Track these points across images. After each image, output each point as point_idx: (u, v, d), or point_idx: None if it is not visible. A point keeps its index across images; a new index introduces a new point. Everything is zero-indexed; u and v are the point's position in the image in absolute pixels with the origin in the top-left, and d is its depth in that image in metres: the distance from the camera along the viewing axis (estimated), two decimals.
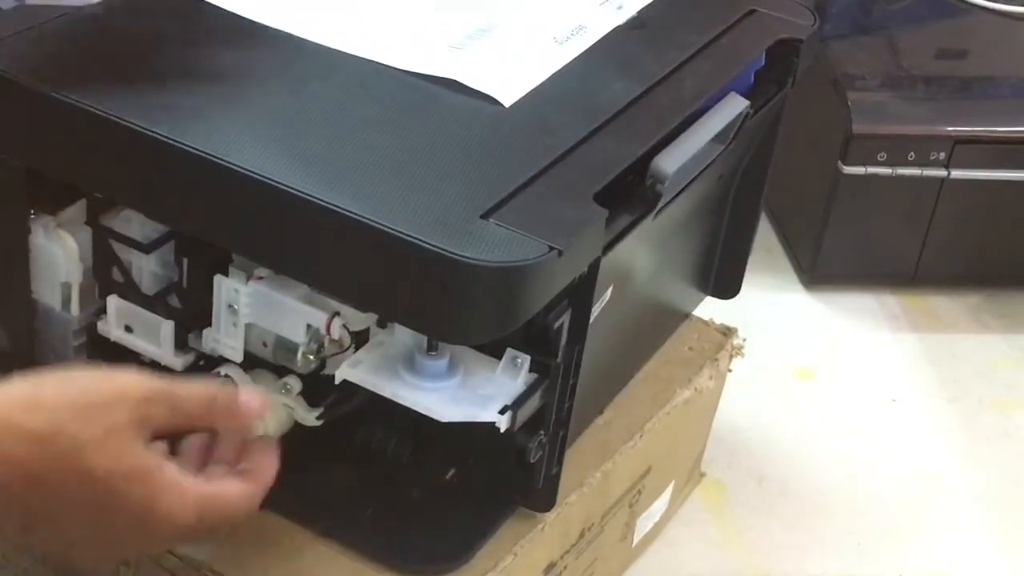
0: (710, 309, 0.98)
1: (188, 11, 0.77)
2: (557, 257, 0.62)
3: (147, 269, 0.73)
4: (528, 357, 0.70)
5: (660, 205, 0.71)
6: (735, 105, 0.77)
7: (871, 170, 1.20)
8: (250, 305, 0.71)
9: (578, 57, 0.78)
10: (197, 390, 0.63)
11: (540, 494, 0.76)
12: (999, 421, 1.16)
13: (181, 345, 0.74)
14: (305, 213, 0.63)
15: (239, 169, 0.64)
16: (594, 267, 0.68)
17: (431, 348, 0.70)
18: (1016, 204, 1.24)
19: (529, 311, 0.64)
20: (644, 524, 0.94)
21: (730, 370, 0.97)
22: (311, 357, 0.71)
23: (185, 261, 0.72)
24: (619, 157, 0.70)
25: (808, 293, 1.29)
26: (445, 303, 0.63)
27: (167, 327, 0.73)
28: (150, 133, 0.66)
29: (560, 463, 0.76)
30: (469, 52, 0.76)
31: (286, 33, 0.76)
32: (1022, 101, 1.28)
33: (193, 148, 0.65)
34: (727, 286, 0.98)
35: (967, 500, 1.08)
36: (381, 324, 0.72)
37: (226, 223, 0.67)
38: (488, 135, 0.70)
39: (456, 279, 0.61)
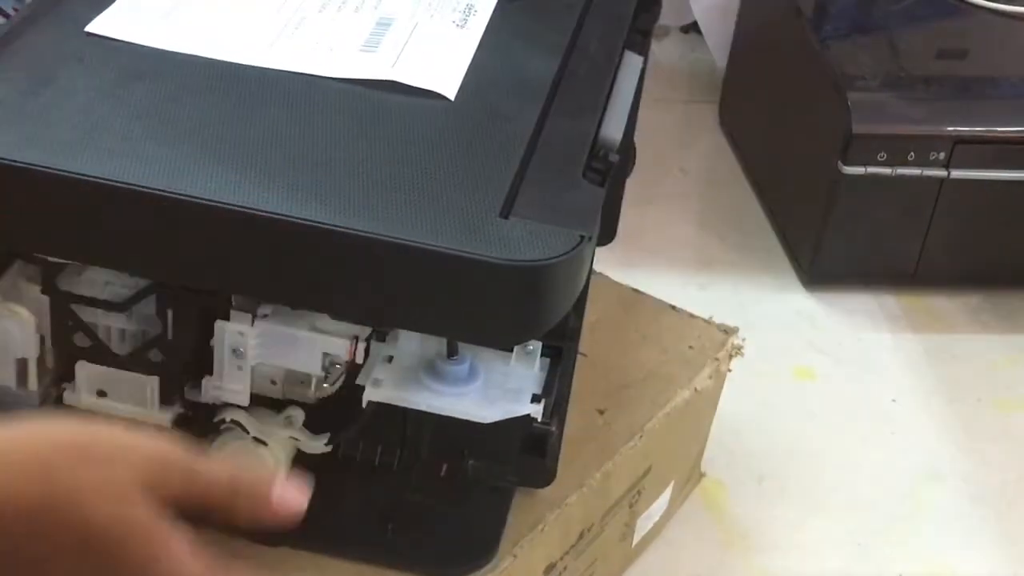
0: (710, 309, 0.98)
1: (86, 47, 0.72)
2: (588, 243, 0.63)
3: (117, 328, 0.69)
4: (540, 344, 0.70)
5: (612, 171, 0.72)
6: (635, 63, 0.80)
7: (871, 170, 1.20)
8: (259, 346, 0.68)
9: (484, 37, 0.78)
10: (222, 465, 0.56)
11: (546, 469, 0.77)
12: (999, 421, 1.16)
13: (165, 400, 0.71)
14: (330, 243, 0.61)
15: (245, 210, 0.62)
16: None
17: (451, 353, 0.70)
18: (1016, 204, 1.24)
19: (573, 296, 0.65)
20: (644, 524, 0.94)
21: (730, 370, 0.97)
22: (328, 386, 0.70)
23: (170, 313, 0.68)
24: (581, 134, 0.71)
25: (808, 293, 1.29)
26: (503, 309, 0.63)
27: (152, 384, 0.70)
28: (143, 189, 0.63)
29: (559, 445, 0.76)
30: (388, 50, 0.75)
31: (197, 56, 0.73)
32: (1022, 101, 1.28)
33: (187, 196, 0.62)
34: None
35: (967, 500, 1.08)
36: (380, 338, 0.71)
37: (238, 268, 0.65)
38: (452, 131, 0.70)
39: (514, 284, 0.61)
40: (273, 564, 0.73)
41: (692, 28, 1.66)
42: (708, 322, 0.97)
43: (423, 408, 0.69)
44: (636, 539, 0.95)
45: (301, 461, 0.73)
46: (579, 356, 0.82)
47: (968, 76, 1.31)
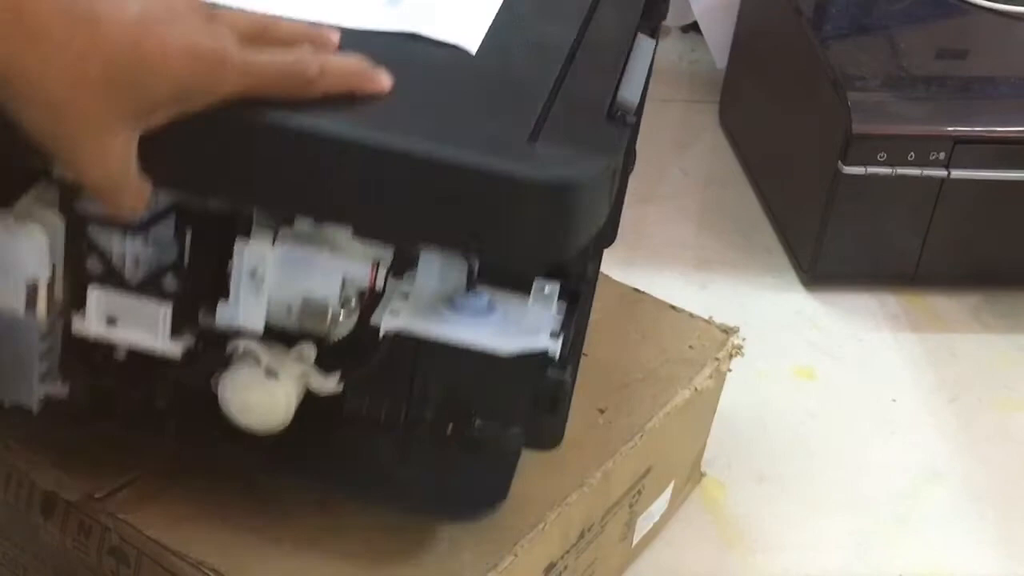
0: (710, 308, 0.98)
1: None
2: (614, 171, 0.64)
3: (132, 254, 0.69)
4: (557, 285, 0.70)
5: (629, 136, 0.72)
6: (648, 44, 0.81)
7: (871, 170, 1.20)
8: (278, 268, 0.68)
9: (504, 4, 0.78)
10: None
11: (555, 430, 0.76)
12: (999, 421, 1.16)
13: (177, 329, 0.70)
14: (359, 156, 0.62)
15: (283, 126, 0.62)
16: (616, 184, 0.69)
17: (470, 287, 0.70)
18: (1016, 204, 1.24)
19: (598, 223, 0.65)
20: (644, 524, 0.94)
21: (730, 370, 0.97)
22: (343, 318, 0.69)
23: (188, 235, 0.68)
24: (601, 90, 0.71)
25: (808, 293, 1.29)
26: (528, 226, 0.63)
27: (165, 311, 0.69)
28: None
29: (569, 401, 0.76)
30: (410, 2, 0.75)
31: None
32: (1022, 101, 1.28)
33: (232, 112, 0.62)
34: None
35: (967, 500, 1.08)
36: (397, 274, 0.70)
37: (264, 180, 0.64)
38: (475, 81, 0.70)
39: (540, 200, 0.62)
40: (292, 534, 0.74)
41: (692, 28, 1.67)
42: (708, 322, 0.97)
43: (440, 338, 0.68)
44: (636, 539, 0.95)
45: (309, 404, 0.72)
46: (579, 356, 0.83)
47: (968, 76, 1.31)
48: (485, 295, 0.70)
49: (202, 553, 0.73)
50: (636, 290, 1.00)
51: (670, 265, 1.31)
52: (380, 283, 0.69)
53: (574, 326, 0.72)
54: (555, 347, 0.69)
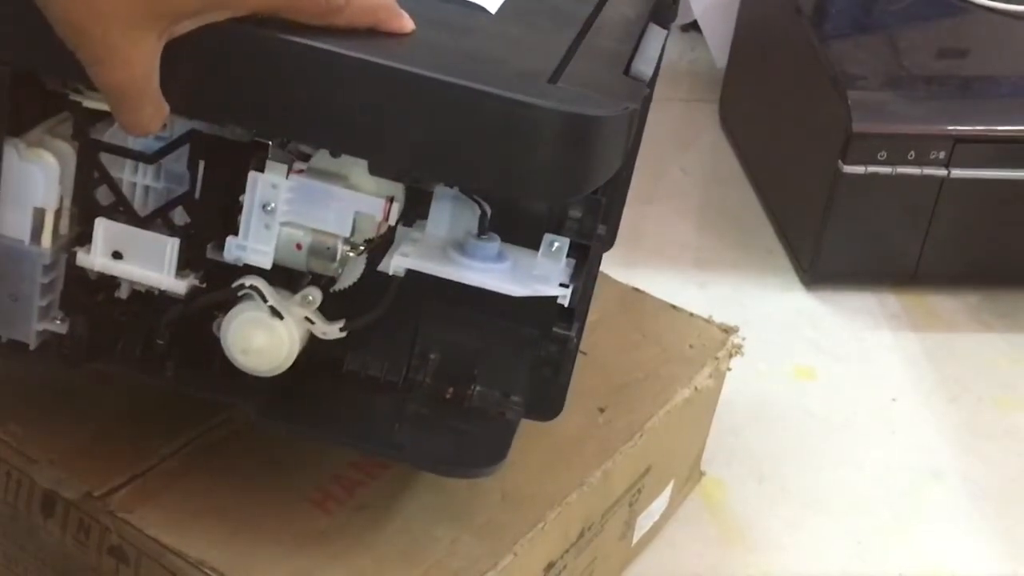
0: (710, 308, 0.98)
1: None
2: (632, 113, 0.64)
3: (142, 185, 0.68)
4: (567, 240, 0.70)
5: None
6: (659, 34, 0.81)
7: (871, 169, 1.21)
8: (290, 201, 0.67)
9: None
10: None
11: (555, 397, 0.75)
12: (999, 420, 1.16)
13: (184, 264, 0.69)
14: (382, 82, 0.62)
15: (306, 44, 0.62)
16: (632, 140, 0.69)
17: (482, 231, 0.70)
18: (1016, 204, 1.24)
19: (614, 164, 0.65)
20: (644, 523, 0.94)
21: (730, 369, 0.97)
22: (352, 254, 0.69)
23: (201, 166, 0.68)
24: (619, 52, 0.72)
25: (808, 293, 1.29)
26: (546, 160, 0.63)
27: (172, 245, 0.68)
28: None
29: (573, 363, 0.75)
30: None
31: None
32: (1022, 101, 1.28)
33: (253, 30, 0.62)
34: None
35: (967, 500, 1.08)
36: (408, 222, 0.70)
37: (286, 107, 0.64)
38: (497, 33, 0.70)
39: (559, 133, 0.62)
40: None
41: (692, 28, 1.67)
42: (708, 321, 0.97)
43: (450, 277, 0.68)
44: (636, 538, 0.95)
45: (310, 361, 0.71)
46: (579, 355, 0.82)
47: (968, 75, 1.31)
48: (496, 240, 0.70)
49: (202, 553, 0.73)
50: (636, 290, 1.00)
51: (670, 265, 1.31)
52: (393, 219, 0.68)
53: (583, 281, 0.72)
54: (564, 295, 0.69)
